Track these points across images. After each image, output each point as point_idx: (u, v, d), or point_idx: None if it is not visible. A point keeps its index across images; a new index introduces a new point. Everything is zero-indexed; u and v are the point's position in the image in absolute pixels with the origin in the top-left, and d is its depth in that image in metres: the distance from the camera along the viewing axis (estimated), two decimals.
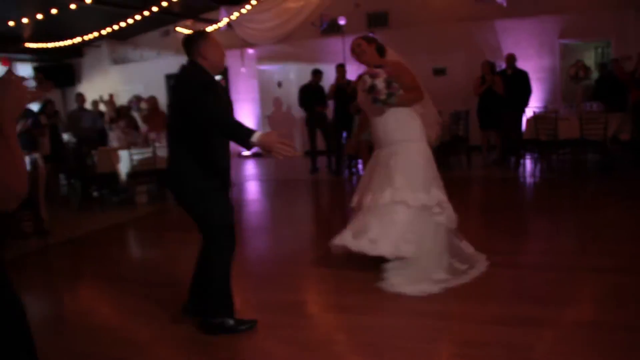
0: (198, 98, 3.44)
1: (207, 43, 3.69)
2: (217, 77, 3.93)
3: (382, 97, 4.52)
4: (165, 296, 4.69)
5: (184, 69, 3.72)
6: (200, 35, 3.74)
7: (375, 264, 4.65)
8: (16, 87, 1.71)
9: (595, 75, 11.74)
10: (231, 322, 3.84)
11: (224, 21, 11.30)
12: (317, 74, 11.18)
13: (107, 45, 16.34)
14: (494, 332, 3.60)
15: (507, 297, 4.20)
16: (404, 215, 4.57)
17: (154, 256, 6.35)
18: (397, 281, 4.42)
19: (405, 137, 4.76)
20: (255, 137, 3.33)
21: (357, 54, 4.79)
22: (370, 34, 12.69)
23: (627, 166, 9.25)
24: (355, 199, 5.03)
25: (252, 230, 7.20)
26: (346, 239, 4.71)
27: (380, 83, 4.53)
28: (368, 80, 4.62)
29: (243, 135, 3.36)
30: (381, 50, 4.84)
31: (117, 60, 16.77)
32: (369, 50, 4.77)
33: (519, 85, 10.23)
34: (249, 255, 5.88)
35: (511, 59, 10.48)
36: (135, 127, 10.56)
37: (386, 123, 4.78)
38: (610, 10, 11.57)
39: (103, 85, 16.16)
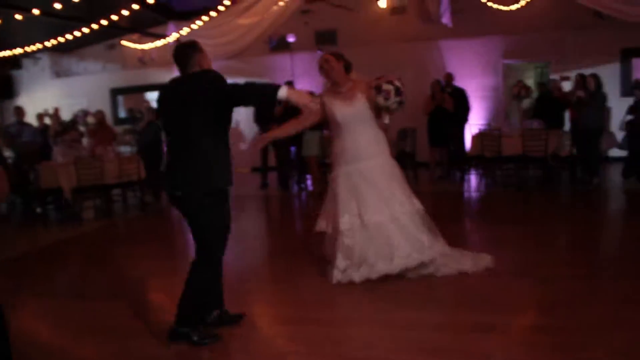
0: (229, 85, 3.59)
1: (202, 55, 3.77)
2: None
3: (393, 105, 4.65)
4: (117, 311, 4.61)
5: (194, 75, 3.70)
6: (195, 47, 3.78)
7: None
8: None
9: (535, 94, 12.18)
10: (195, 337, 3.80)
11: (174, 36, 11.20)
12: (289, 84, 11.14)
13: (48, 57, 15.93)
14: (452, 339, 3.70)
15: (459, 305, 4.34)
16: (412, 223, 4.89)
17: (101, 272, 6.18)
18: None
19: (380, 151, 4.94)
20: (283, 92, 3.53)
21: (326, 70, 4.88)
22: (319, 52, 12.91)
23: (566, 180, 9.59)
24: (342, 223, 4.87)
25: None
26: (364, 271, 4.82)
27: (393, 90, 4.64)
28: (386, 85, 4.66)
29: (274, 91, 3.53)
30: (348, 68, 4.95)
31: (59, 73, 16.35)
32: (337, 66, 4.87)
33: (458, 103, 10.61)
34: None
35: (449, 77, 10.94)
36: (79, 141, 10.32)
37: (360, 139, 4.90)
38: (550, 32, 12.06)
39: (44, 98, 15.68)
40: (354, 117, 4.89)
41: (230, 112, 3.77)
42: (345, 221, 4.85)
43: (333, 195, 5.04)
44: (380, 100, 4.67)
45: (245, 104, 3.81)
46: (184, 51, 3.77)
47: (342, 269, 4.85)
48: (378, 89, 4.70)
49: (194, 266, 3.84)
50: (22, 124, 10.62)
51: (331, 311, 4.42)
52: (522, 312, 4.16)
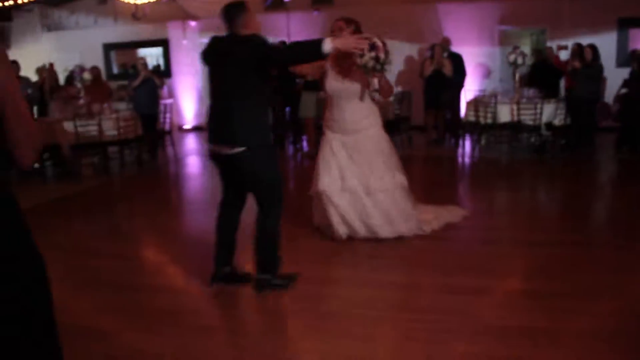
0: (271, 48, 3.81)
1: (249, 15, 3.87)
2: None
3: (370, 63, 4.56)
4: (119, 268, 4.76)
5: (240, 39, 3.81)
6: (242, 7, 3.87)
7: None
8: None
9: (531, 61, 12.21)
10: (279, 281, 4.12)
11: None
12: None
13: (39, 10, 15.65)
14: (445, 300, 3.90)
15: (450, 268, 4.51)
16: (399, 196, 5.13)
17: (102, 229, 6.25)
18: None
19: (373, 124, 5.09)
20: (328, 44, 3.59)
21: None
22: (316, 12, 12.79)
23: (559, 150, 9.74)
24: (320, 184, 5.13)
25: (201, 204, 7.22)
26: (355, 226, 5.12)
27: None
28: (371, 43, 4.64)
29: (318, 47, 3.61)
30: (358, 31, 4.97)
31: (50, 27, 16.10)
32: (347, 31, 4.88)
33: (455, 68, 10.65)
34: (206, 227, 5.93)
35: (446, 42, 10.96)
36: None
37: (354, 110, 5.03)
38: None
39: (35, 52, 15.46)
40: (340, 92, 5.00)
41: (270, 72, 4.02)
42: (325, 182, 5.08)
43: (320, 156, 5.25)
44: (357, 59, 4.61)
45: (292, 65, 4.14)
46: (232, 10, 3.87)
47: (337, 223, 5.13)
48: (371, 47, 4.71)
49: (263, 217, 4.03)
50: (17, 77, 10.48)
51: (323, 270, 4.64)
52: (512, 277, 4.35)
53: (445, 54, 10.85)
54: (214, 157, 4.03)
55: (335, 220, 5.10)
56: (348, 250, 5.01)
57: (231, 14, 3.86)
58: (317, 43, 3.62)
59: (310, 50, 3.71)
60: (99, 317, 3.83)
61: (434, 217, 5.58)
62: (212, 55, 3.98)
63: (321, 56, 3.70)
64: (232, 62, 3.79)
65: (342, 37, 3.95)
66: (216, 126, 3.94)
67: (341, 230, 5.11)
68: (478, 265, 4.54)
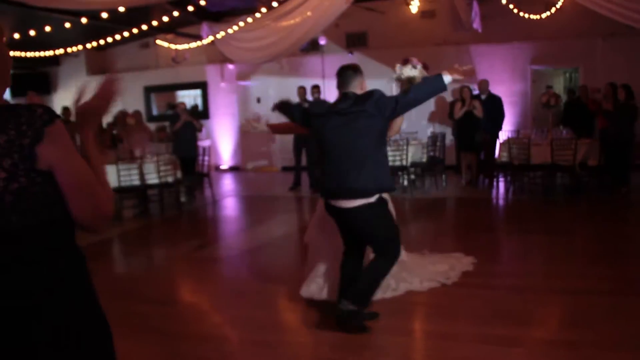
0: (398, 97, 4.06)
1: (363, 78, 4.23)
2: None
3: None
4: (161, 314, 4.88)
5: (357, 96, 4.12)
6: (359, 69, 4.25)
7: None
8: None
9: (564, 99, 12.25)
10: (364, 313, 4.34)
11: (209, 39, 11.46)
12: (315, 88, 11.24)
13: (85, 55, 16.30)
14: (476, 350, 3.94)
15: (486, 317, 4.52)
16: None
17: (145, 272, 6.46)
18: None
19: None
20: (448, 77, 3.97)
21: None
22: (350, 54, 13.07)
23: (594, 190, 9.70)
24: (307, 234, 5.09)
25: (240, 249, 7.40)
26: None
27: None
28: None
29: (441, 81, 3.98)
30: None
31: (95, 71, 16.73)
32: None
33: (494, 110, 10.71)
34: (243, 273, 6.10)
35: (485, 84, 11.00)
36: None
37: None
38: (579, 39, 12.13)
39: None
40: None
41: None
42: (312, 234, 5.07)
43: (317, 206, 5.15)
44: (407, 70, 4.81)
45: (419, 104, 4.24)
46: (351, 72, 4.22)
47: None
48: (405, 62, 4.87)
49: (379, 260, 4.27)
50: (67, 123, 10.90)
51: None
52: (547, 326, 4.36)
53: (484, 96, 10.91)
54: (335, 211, 4.23)
55: (311, 275, 4.92)
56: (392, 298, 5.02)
57: (350, 75, 4.18)
58: (438, 78, 3.98)
59: (434, 87, 4.05)
60: None
61: (450, 268, 5.54)
62: (332, 116, 4.15)
63: (444, 89, 4.06)
64: (364, 118, 4.02)
65: (454, 69, 4.15)
66: (343, 182, 4.08)
67: (310, 287, 4.85)
68: (513, 314, 4.55)
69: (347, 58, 13.70)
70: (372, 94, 4.03)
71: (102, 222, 1.76)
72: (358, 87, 4.18)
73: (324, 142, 4.19)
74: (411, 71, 4.77)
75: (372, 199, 4.05)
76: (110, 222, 1.81)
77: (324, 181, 4.25)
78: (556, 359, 3.78)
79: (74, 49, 12.32)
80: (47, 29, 9.47)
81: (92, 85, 1.87)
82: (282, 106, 4.72)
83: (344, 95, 4.18)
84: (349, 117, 4.05)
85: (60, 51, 12.66)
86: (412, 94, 4.03)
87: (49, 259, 1.65)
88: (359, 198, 4.03)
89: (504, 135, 11.19)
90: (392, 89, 11.64)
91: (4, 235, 1.56)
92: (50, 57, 13.84)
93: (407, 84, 4.79)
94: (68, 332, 1.66)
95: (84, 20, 9.36)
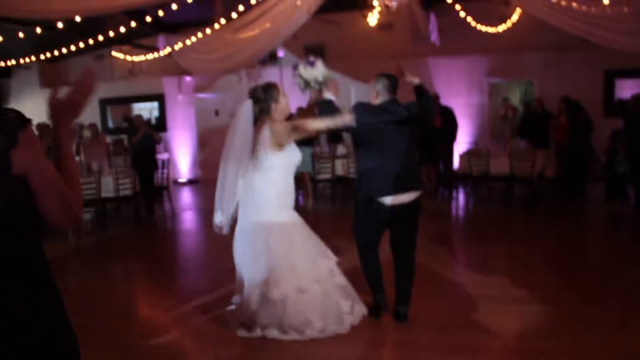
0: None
1: None
2: None
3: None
4: (117, 328, 4.74)
5: (400, 102, 4.59)
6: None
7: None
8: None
9: (520, 111, 12.50)
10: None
11: (167, 50, 11.28)
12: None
13: (37, 67, 15.90)
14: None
15: (446, 326, 4.56)
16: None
17: (99, 288, 6.26)
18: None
19: None
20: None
21: None
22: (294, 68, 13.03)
23: (551, 200, 9.88)
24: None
25: (200, 261, 7.26)
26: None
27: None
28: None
29: (429, 96, 4.68)
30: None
31: (47, 83, 16.32)
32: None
33: (447, 121, 10.84)
34: (203, 285, 5.98)
35: (435, 98, 11.12)
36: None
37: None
38: (534, 52, 12.40)
39: (33, 108, 15.56)
40: None
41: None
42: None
43: None
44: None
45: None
46: (396, 81, 4.60)
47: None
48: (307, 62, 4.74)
49: (412, 257, 4.69)
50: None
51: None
52: (507, 336, 4.38)
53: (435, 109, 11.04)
54: (392, 208, 4.50)
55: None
56: None
57: (396, 83, 4.56)
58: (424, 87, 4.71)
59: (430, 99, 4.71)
60: None
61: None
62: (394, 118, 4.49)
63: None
64: (414, 122, 4.50)
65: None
66: (400, 178, 4.46)
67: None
68: (475, 324, 4.59)
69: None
70: (413, 102, 4.57)
71: (73, 223, 1.75)
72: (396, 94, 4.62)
73: (383, 142, 4.47)
74: (312, 71, 4.68)
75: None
76: (79, 224, 1.77)
77: (377, 180, 4.49)
78: None
79: (27, 60, 11.97)
80: None
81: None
82: (325, 105, 4.63)
83: (394, 100, 4.55)
84: (407, 120, 4.46)
85: (13, 62, 12.26)
86: (430, 99, 4.73)
87: (17, 267, 1.59)
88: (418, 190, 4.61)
89: (462, 147, 11.31)
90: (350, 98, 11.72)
91: None
92: (1, 68, 13.47)
93: (313, 85, 4.73)
94: (34, 341, 1.62)
95: (38, 30, 9.09)
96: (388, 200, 4.47)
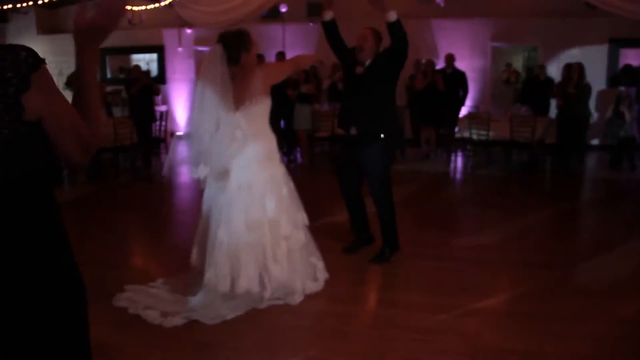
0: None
1: None
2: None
3: None
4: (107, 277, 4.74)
5: None
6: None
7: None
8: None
9: (523, 77, 12.41)
10: (388, 252, 5.14)
11: (167, 1, 11.09)
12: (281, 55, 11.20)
13: (35, 12, 15.62)
14: (429, 318, 4.00)
15: (438, 288, 4.60)
16: None
17: (94, 238, 6.25)
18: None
19: None
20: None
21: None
22: (312, 24, 12.86)
23: (551, 167, 9.89)
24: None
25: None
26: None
27: None
28: None
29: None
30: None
31: (45, 29, 16.07)
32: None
33: (457, 84, 10.75)
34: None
35: (450, 59, 11.01)
36: None
37: None
38: (538, 17, 12.23)
39: None
40: None
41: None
42: None
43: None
44: None
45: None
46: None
47: None
48: None
49: (381, 199, 5.00)
50: None
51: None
52: (500, 297, 4.43)
53: (449, 70, 10.92)
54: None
55: None
56: (348, 269, 5.01)
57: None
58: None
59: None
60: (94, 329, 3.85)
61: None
62: None
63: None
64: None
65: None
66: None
67: None
68: (469, 286, 4.63)
69: (308, 28, 13.51)
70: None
71: (88, 159, 1.67)
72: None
73: None
74: None
75: None
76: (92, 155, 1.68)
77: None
78: (511, 329, 3.85)
79: (24, 4, 11.75)
80: None
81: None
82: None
83: None
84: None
85: (9, 6, 12.03)
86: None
87: (27, 212, 1.53)
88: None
89: (463, 110, 11.25)
90: None
91: None
92: None
93: None
94: (38, 289, 1.56)
95: None
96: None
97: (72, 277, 1.69)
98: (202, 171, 4.25)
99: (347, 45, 5.12)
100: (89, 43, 1.63)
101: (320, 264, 4.54)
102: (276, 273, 4.20)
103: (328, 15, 5.15)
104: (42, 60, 1.52)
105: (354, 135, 5.03)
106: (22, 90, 1.46)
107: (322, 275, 4.54)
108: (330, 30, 5.14)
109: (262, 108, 4.30)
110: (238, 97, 4.19)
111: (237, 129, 4.22)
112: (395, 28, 4.86)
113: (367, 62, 4.98)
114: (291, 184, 4.47)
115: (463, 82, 10.88)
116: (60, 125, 1.55)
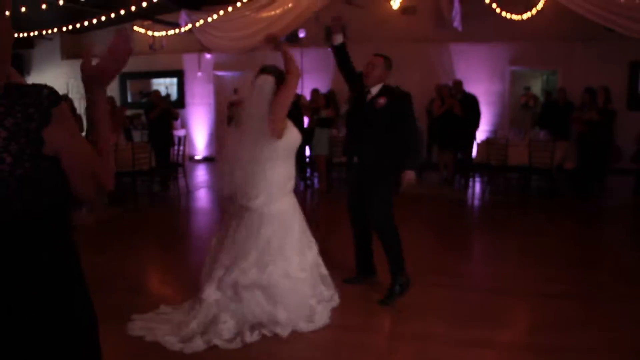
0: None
1: None
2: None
3: None
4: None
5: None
6: None
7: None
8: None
9: (541, 99, 12.34)
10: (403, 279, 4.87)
11: (188, 27, 11.28)
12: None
13: (60, 39, 15.96)
14: (448, 351, 3.93)
15: (455, 318, 4.50)
16: None
17: (114, 263, 6.30)
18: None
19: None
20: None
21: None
22: (330, 48, 12.93)
23: (569, 193, 9.77)
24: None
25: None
26: None
27: None
28: None
29: None
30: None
31: (69, 55, 16.40)
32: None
33: (469, 109, 10.70)
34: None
35: (459, 85, 10.98)
36: None
37: None
38: (558, 41, 12.20)
39: (54, 79, 15.74)
40: None
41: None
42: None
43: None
44: None
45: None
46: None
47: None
48: None
49: (382, 228, 4.85)
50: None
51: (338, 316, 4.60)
52: (518, 329, 4.36)
53: (459, 96, 10.90)
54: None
55: None
56: (362, 298, 4.98)
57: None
58: None
59: None
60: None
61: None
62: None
63: None
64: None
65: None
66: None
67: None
68: (487, 316, 4.54)
69: (326, 52, 13.59)
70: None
71: (102, 197, 1.71)
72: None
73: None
74: None
75: None
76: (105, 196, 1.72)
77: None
78: None
79: (49, 31, 12.01)
80: (22, 9, 9.19)
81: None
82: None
83: None
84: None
85: (35, 33, 12.32)
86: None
87: (45, 246, 1.58)
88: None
89: (480, 135, 11.20)
90: None
91: (6, 223, 1.47)
92: (24, 38, 13.53)
93: None
94: (54, 318, 1.60)
95: (60, 1, 9.12)
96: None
97: (84, 313, 1.74)
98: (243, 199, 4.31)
99: (356, 71, 5.12)
100: (96, 85, 1.70)
101: (319, 307, 4.43)
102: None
103: (338, 39, 5.17)
104: (63, 97, 1.58)
105: (357, 163, 5.03)
106: (44, 124, 1.51)
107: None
108: (340, 55, 5.15)
109: (292, 136, 4.36)
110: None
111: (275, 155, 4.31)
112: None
113: (373, 90, 4.96)
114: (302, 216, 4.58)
115: (475, 106, 10.84)
116: (78, 163, 1.60)
